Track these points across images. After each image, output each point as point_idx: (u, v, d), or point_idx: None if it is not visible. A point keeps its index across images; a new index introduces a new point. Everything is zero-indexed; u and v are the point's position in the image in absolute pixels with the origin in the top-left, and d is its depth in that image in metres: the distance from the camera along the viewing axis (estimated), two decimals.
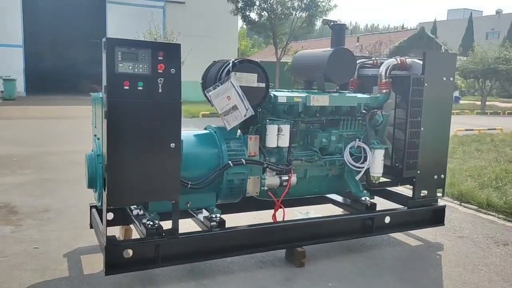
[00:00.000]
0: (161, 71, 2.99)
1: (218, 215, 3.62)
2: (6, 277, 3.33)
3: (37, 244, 3.95)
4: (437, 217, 4.42)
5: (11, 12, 23.39)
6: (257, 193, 3.77)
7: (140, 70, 2.94)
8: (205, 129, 3.86)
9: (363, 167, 4.04)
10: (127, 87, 2.90)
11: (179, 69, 3.06)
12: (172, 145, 3.08)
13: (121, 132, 2.93)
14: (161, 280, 3.36)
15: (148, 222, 3.36)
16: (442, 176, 4.32)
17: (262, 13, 20.46)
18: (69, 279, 3.33)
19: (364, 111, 4.19)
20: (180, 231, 3.32)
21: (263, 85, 3.64)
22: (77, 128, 11.05)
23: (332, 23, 4.21)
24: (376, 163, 4.09)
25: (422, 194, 4.29)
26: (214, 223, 3.56)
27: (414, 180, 4.19)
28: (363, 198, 4.19)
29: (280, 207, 3.86)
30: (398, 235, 4.50)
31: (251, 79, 3.59)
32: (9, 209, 4.91)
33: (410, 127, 4.06)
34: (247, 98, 3.53)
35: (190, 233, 3.38)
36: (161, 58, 2.99)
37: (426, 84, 4.05)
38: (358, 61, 4.58)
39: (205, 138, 3.70)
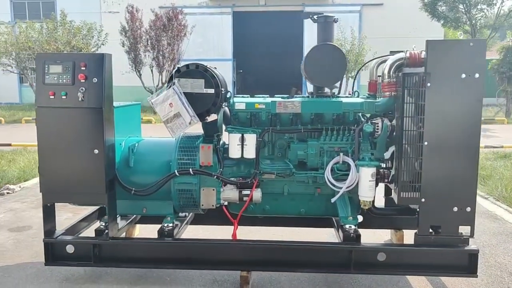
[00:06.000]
0: (82, 81, 3.17)
1: (170, 224, 3.55)
2: (12, 253, 4.06)
3: None
4: (469, 264, 3.24)
5: (225, 33, 27.19)
6: (212, 206, 3.53)
7: (64, 80, 3.18)
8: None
9: (341, 188, 3.31)
10: (52, 97, 3.19)
11: (101, 78, 3.17)
12: (96, 151, 3.21)
13: (48, 137, 3.23)
14: (105, 279, 3.52)
15: (101, 223, 3.60)
16: (469, 209, 3.14)
17: (458, 6, 18.00)
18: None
19: (363, 119, 3.45)
20: None
21: (211, 91, 3.40)
22: None
23: (315, 16, 3.57)
24: (363, 183, 3.29)
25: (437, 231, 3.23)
26: (163, 232, 3.52)
27: (418, 210, 3.20)
28: (347, 226, 3.41)
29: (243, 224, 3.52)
30: (417, 279, 3.50)
31: (197, 85, 3.40)
32: None
33: (406, 140, 3.12)
34: (194, 105, 3.36)
35: (123, 238, 3.44)
36: (83, 68, 3.17)
37: (429, 84, 3.04)
38: (381, 56, 3.76)
39: (163, 146, 3.68)
